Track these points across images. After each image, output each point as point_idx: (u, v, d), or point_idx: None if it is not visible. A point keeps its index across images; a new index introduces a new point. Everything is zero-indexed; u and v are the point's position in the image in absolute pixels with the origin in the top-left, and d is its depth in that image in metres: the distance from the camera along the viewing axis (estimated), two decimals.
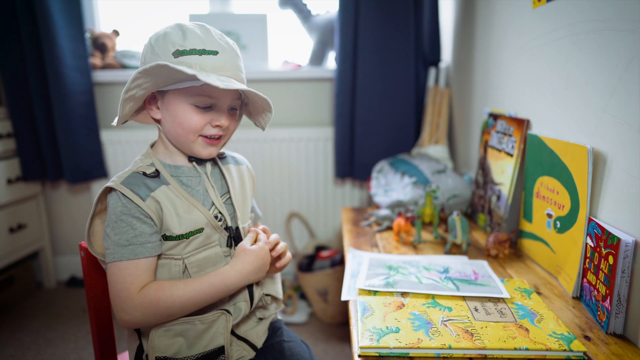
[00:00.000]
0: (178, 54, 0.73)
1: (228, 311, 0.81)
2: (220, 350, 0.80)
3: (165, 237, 0.77)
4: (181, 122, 0.77)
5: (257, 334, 0.88)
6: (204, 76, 0.69)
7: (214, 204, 0.83)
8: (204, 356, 0.79)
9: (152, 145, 0.84)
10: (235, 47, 0.79)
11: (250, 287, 0.84)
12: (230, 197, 0.86)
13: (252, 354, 0.86)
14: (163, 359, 0.77)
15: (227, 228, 0.83)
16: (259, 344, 0.87)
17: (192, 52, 0.73)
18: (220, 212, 0.83)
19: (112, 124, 0.81)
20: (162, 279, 0.77)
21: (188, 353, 0.78)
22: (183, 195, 0.79)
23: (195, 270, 0.78)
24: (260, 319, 0.90)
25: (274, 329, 0.93)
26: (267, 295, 0.90)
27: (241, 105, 0.87)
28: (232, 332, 0.83)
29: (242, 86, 0.74)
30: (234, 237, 0.85)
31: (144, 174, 0.78)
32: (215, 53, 0.74)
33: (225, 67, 0.75)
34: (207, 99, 0.77)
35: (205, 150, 0.81)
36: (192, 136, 0.78)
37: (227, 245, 0.83)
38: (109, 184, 0.75)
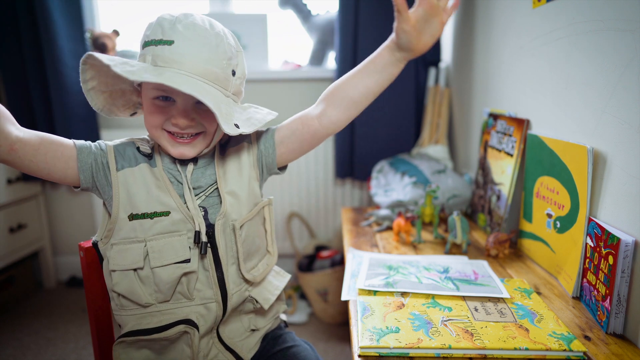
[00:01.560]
0: (144, 45, 0.72)
1: (193, 324, 0.75)
2: None
3: (131, 217, 0.73)
4: (145, 117, 0.76)
5: (248, 346, 0.82)
6: (120, 67, 0.64)
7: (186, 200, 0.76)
8: None
9: None
10: (212, 37, 0.72)
11: (222, 285, 0.77)
12: (217, 188, 0.79)
13: None
14: None
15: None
16: (247, 357, 0.81)
17: (152, 42, 0.70)
18: (193, 208, 0.76)
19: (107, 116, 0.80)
20: (122, 265, 0.74)
21: None
22: (162, 178, 0.75)
23: (156, 255, 0.73)
24: (253, 330, 0.84)
25: (275, 337, 0.88)
26: (256, 300, 0.82)
27: None
28: (220, 339, 0.80)
29: (153, 79, 0.65)
30: (208, 233, 0.76)
31: (138, 148, 0.78)
32: (170, 43, 0.69)
33: (184, 59, 0.69)
34: (163, 93, 0.72)
35: (174, 149, 0.75)
36: (155, 131, 0.75)
37: (195, 242, 0.75)
38: (104, 140, 0.78)
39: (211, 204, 0.78)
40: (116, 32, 2.03)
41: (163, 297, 0.75)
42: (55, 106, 1.80)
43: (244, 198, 0.80)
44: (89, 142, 0.76)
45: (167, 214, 0.74)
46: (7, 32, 1.78)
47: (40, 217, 2.04)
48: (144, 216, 0.74)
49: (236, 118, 0.73)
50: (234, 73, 0.76)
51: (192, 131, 0.75)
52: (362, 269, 0.96)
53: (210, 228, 0.77)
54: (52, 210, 2.13)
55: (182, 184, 0.77)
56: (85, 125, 1.89)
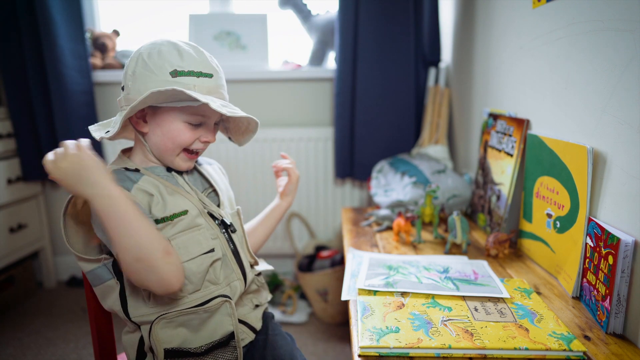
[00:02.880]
0: (176, 74, 0.77)
1: (228, 297, 0.83)
2: (230, 336, 0.82)
3: (156, 221, 0.78)
4: (173, 138, 0.81)
5: (255, 317, 0.91)
6: (216, 106, 0.75)
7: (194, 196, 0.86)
8: (214, 346, 0.81)
9: (124, 153, 0.88)
10: (219, 67, 0.85)
11: (242, 266, 0.88)
12: (214, 190, 0.91)
13: (252, 336, 0.89)
14: (172, 351, 0.78)
15: (211, 215, 0.86)
16: (258, 326, 0.91)
17: (190, 73, 0.77)
18: (201, 201, 0.86)
19: (101, 136, 0.79)
20: None
21: (196, 344, 0.80)
22: (164, 183, 0.82)
23: (183, 251, 0.79)
24: (257, 305, 0.93)
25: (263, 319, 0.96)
26: (257, 275, 0.95)
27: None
28: None
29: (245, 114, 0.81)
30: (223, 223, 0.88)
31: (126, 169, 0.81)
32: (210, 76, 0.80)
33: (218, 90, 0.81)
34: (200, 118, 0.82)
35: (185, 164, 0.85)
36: (177, 150, 0.82)
37: (222, 231, 0.86)
38: None
39: (213, 202, 0.89)
40: (116, 32, 2.03)
41: (194, 288, 0.80)
42: (55, 106, 1.80)
43: (230, 196, 0.96)
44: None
45: (185, 212, 0.81)
46: (7, 32, 1.78)
47: (41, 217, 2.04)
48: (164, 220, 0.79)
49: None
50: None
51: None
52: (362, 269, 0.96)
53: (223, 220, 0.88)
54: (52, 210, 2.13)
55: (182, 186, 0.85)
56: (85, 124, 1.88)
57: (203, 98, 0.74)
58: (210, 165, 0.97)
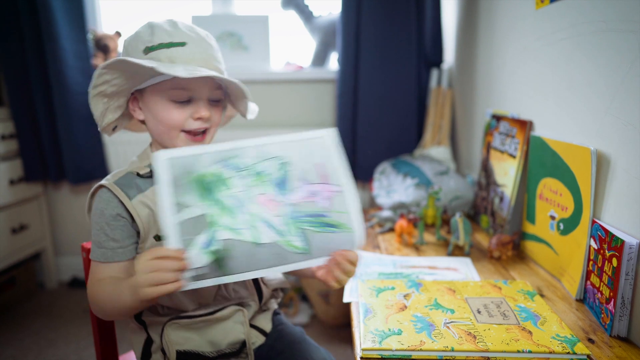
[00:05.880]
0: (148, 50, 0.74)
1: (243, 305, 0.82)
2: (242, 345, 0.81)
3: (158, 238, 0.76)
4: (161, 119, 0.76)
5: (265, 319, 0.90)
6: (166, 68, 0.69)
7: None
8: (227, 354, 0.80)
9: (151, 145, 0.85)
10: (208, 38, 0.78)
11: (257, 286, 0.87)
12: None
13: (263, 339, 0.87)
14: (184, 353, 0.77)
15: None
16: (268, 328, 0.89)
17: (160, 46, 0.74)
18: None
19: (99, 129, 0.81)
20: None
21: (206, 348, 0.79)
22: None
23: None
24: (264, 310, 0.92)
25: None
26: (274, 290, 0.93)
27: (225, 98, 0.84)
28: None
29: (209, 72, 0.72)
30: None
31: (138, 174, 0.78)
32: (183, 44, 0.75)
33: (195, 58, 0.75)
34: (184, 92, 0.75)
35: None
36: (173, 132, 0.77)
37: None
38: (102, 182, 0.76)
39: None
40: (118, 34, 2.03)
41: (205, 302, 0.81)
42: (57, 106, 1.81)
43: None
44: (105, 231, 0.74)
45: None
46: (10, 32, 1.78)
47: (42, 218, 2.04)
48: None
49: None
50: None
51: (208, 125, 0.79)
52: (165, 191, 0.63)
53: None
54: (54, 211, 2.13)
55: None
56: (86, 125, 1.89)
57: (149, 63, 0.69)
58: None
